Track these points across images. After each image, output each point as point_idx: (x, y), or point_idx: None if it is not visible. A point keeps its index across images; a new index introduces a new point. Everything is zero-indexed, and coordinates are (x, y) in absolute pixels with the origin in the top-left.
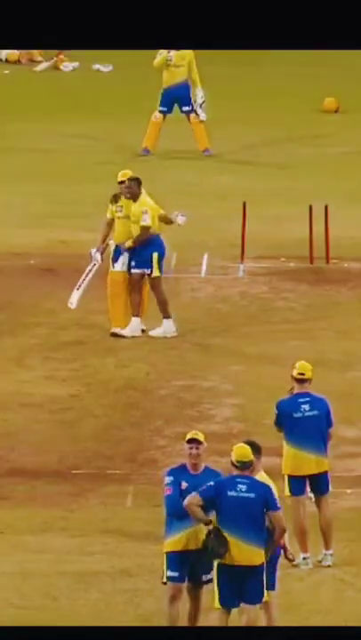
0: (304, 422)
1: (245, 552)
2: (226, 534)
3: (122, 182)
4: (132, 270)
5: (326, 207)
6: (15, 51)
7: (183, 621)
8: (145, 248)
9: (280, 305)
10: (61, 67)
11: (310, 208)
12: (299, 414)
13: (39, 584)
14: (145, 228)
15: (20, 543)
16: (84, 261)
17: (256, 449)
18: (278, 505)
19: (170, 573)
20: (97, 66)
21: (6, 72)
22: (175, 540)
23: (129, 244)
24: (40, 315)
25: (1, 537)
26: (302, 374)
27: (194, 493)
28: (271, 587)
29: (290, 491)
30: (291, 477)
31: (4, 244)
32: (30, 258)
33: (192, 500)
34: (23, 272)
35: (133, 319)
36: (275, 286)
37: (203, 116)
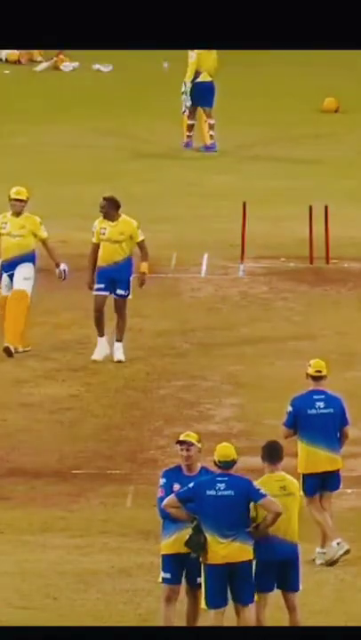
0: (318, 419)
1: (230, 549)
2: (208, 533)
3: (18, 200)
4: (121, 293)
5: (326, 207)
6: (15, 51)
7: (182, 622)
8: (126, 271)
9: (280, 305)
10: (61, 67)
11: (310, 208)
12: (313, 411)
13: (39, 584)
14: (144, 242)
15: (20, 543)
16: (84, 261)
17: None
18: (262, 492)
19: (164, 575)
20: (97, 66)
21: (6, 72)
22: (169, 543)
23: (146, 268)
24: (40, 315)
25: (1, 537)
26: (319, 371)
27: (171, 494)
28: (295, 588)
29: (304, 491)
30: (306, 476)
31: None
32: None
33: (168, 502)
34: None
35: (119, 344)
36: (275, 286)
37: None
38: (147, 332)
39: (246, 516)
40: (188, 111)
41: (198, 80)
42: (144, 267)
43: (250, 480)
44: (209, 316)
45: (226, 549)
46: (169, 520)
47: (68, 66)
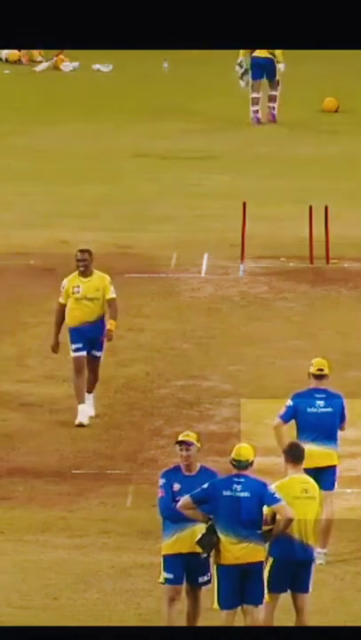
0: (317, 417)
1: (243, 550)
2: (222, 534)
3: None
4: (97, 355)
5: (326, 207)
6: (15, 51)
7: (182, 622)
8: (101, 330)
9: (280, 305)
10: (61, 67)
11: (310, 208)
12: (313, 409)
13: (39, 584)
14: (115, 301)
15: (20, 543)
16: None
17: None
18: (277, 497)
19: (166, 575)
20: (97, 66)
21: (6, 72)
22: (170, 544)
23: (114, 325)
24: (40, 315)
25: (1, 537)
26: (321, 370)
27: (186, 496)
28: (306, 589)
29: None
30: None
31: (4, 244)
32: (30, 258)
33: (183, 503)
34: (23, 272)
35: (89, 395)
36: (275, 286)
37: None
38: (147, 332)
39: (259, 517)
40: (244, 83)
41: (254, 55)
42: (112, 324)
43: (266, 483)
44: (209, 316)
45: (240, 551)
46: (170, 520)
47: (68, 66)
